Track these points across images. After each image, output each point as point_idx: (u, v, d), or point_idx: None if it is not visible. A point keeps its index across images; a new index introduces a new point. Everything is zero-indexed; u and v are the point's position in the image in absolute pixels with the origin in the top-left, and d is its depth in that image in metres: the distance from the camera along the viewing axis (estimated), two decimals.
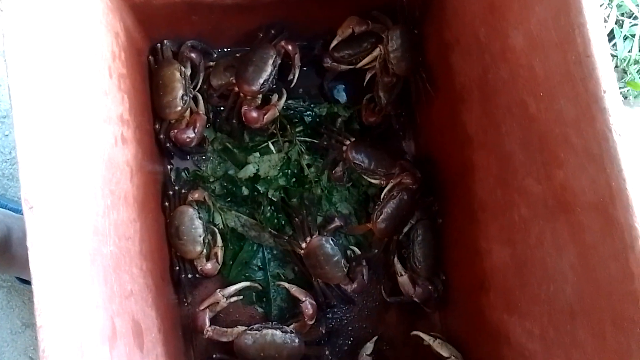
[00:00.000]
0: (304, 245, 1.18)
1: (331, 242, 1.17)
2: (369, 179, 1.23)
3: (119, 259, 0.91)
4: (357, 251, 1.23)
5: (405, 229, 1.21)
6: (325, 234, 1.18)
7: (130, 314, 0.92)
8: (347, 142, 1.22)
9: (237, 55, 1.26)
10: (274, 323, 1.17)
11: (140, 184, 1.07)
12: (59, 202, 0.64)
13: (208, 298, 1.17)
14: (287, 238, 1.21)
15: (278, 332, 1.14)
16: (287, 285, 1.20)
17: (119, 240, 0.92)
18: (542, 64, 0.74)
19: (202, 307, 1.17)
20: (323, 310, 1.22)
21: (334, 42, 1.20)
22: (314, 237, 1.18)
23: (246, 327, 1.16)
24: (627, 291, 0.65)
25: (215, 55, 1.29)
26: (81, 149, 0.79)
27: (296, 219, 1.19)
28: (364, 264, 1.21)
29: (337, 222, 1.20)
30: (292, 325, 1.17)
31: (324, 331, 1.19)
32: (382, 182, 1.21)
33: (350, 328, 1.25)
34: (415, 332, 1.19)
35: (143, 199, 1.07)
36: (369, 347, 1.17)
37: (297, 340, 1.15)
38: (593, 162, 0.66)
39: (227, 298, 1.18)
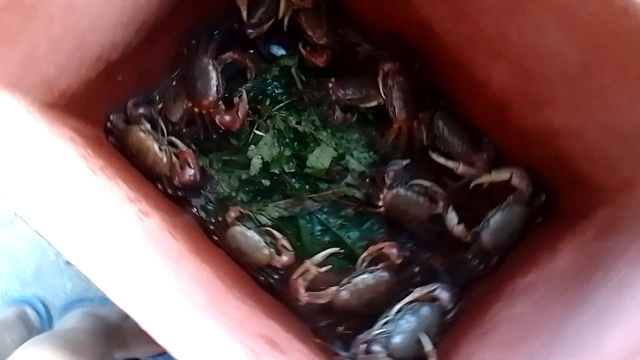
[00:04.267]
0: (380, 203, 1.22)
1: (401, 189, 1.20)
2: (366, 105, 1.24)
3: (215, 299, 0.97)
4: (425, 183, 1.24)
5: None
6: (395, 185, 1.21)
7: (255, 332, 0.98)
8: (329, 84, 1.23)
9: (174, 83, 1.28)
10: (358, 270, 1.21)
11: (183, 238, 1.12)
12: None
13: (297, 269, 1.21)
14: (361, 207, 1.26)
15: (366, 275, 1.18)
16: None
17: (203, 286, 0.98)
18: None
19: (294, 277, 1.21)
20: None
21: (244, 12, 1.21)
22: (385, 193, 1.21)
23: (337, 286, 1.19)
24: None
25: (157, 96, 1.30)
26: (120, 237, 0.84)
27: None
28: (433, 186, 1.23)
29: (395, 167, 1.22)
30: (380, 265, 1.21)
31: (408, 254, 1.24)
32: (380, 101, 1.22)
33: None
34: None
35: (195, 247, 1.12)
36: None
37: (386, 274, 1.19)
38: None
39: (316, 266, 1.21)
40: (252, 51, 1.32)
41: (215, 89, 1.19)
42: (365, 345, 1.13)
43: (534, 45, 0.88)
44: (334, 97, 1.23)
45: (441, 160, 1.24)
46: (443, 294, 1.19)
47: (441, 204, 1.23)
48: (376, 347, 1.12)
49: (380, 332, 1.15)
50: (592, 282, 0.85)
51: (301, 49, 1.27)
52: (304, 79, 1.29)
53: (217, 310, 0.93)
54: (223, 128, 1.23)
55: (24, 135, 0.86)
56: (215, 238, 1.25)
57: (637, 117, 0.80)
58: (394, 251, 1.21)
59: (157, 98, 1.30)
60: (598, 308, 0.78)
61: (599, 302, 0.79)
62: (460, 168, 1.23)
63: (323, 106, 1.26)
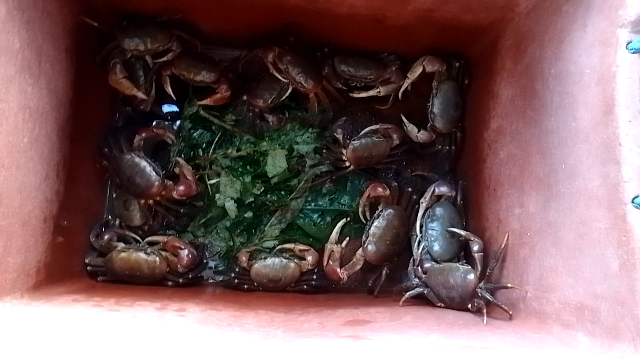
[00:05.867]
0: (347, 163, 1.32)
1: (355, 141, 1.30)
2: (285, 97, 1.32)
3: (288, 327, 1.02)
4: (372, 127, 1.33)
5: None
6: (348, 141, 1.31)
7: (337, 324, 1.04)
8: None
9: (115, 195, 1.30)
10: (367, 223, 1.30)
11: (224, 305, 1.15)
12: None
13: (323, 256, 1.29)
14: (334, 175, 1.36)
15: (376, 221, 1.27)
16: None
17: (271, 325, 1.03)
18: None
19: (325, 264, 1.28)
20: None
21: (138, 92, 1.24)
22: (345, 151, 1.30)
23: (360, 245, 1.28)
24: None
25: (109, 215, 1.31)
26: (183, 337, 0.87)
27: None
28: (381, 124, 1.34)
29: (339, 123, 1.32)
30: (380, 207, 1.30)
31: (395, 184, 1.35)
32: (291, 86, 1.31)
33: None
34: None
35: (238, 304, 1.16)
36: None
37: (390, 209, 1.28)
38: None
39: (336, 244, 1.29)
40: (156, 122, 1.35)
41: (154, 173, 1.22)
42: (418, 268, 1.23)
43: None
44: (256, 110, 1.30)
45: (363, 94, 1.35)
46: (442, 189, 1.30)
47: (394, 135, 1.33)
48: (427, 264, 1.22)
49: (421, 252, 1.26)
50: (536, 92, 0.99)
51: (201, 103, 1.31)
52: (217, 113, 1.34)
53: (298, 332, 0.99)
54: (184, 199, 1.26)
55: (41, 329, 0.86)
56: (246, 287, 1.29)
57: None
58: (379, 190, 1.30)
59: (110, 217, 1.31)
60: (556, 104, 0.91)
61: (555, 100, 0.92)
62: (382, 90, 1.34)
63: (255, 120, 1.33)
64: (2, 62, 0.83)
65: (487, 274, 1.09)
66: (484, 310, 1.04)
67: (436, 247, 1.24)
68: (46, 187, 1.03)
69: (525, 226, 1.03)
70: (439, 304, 1.16)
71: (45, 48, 0.98)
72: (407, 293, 1.19)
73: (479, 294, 1.08)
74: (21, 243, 0.96)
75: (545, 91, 0.96)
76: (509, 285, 1.04)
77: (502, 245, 1.08)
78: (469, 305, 1.09)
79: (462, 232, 1.20)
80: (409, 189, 1.35)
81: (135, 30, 1.18)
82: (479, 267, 1.12)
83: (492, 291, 1.08)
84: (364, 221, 1.33)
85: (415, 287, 1.19)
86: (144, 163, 1.22)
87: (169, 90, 1.27)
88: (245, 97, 1.30)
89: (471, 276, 1.10)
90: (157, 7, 1.20)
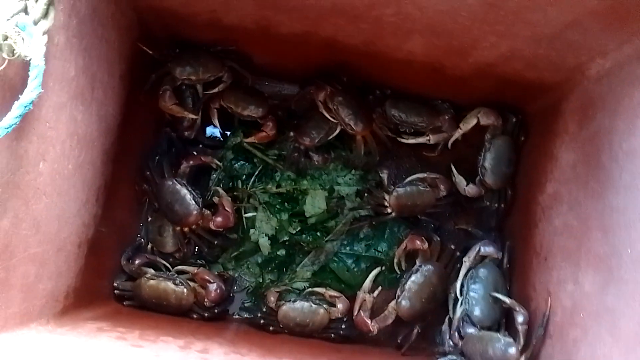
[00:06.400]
0: (389, 209, 1.26)
1: (400, 189, 1.25)
2: (333, 136, 1.29)
3: None
4: (420, 175, 1.29)
5: None
6: (392, 187, 1.27)
7: None
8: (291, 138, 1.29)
9: (150, 219, 1.29)
10: (404, 276, 1.24)
11: (247, 348, 1.11)
12: None
13: (354, 305, 1.23)
14: (374, 220, 1.31)
15: (414, 276, 1.20)
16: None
17: None
18: None
19: (355, 313, 1.22)
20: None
21: (188, 114, 1.25)
22: (388, 197, 1.26)
23: (393, 297, 1.22)
24: None
25: (142, 240, 1.30)
26: None
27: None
28: (429, 174, 1.29)
29: (386, 164, 1.30)
30: (418, 261, 1.24)
31: (437, 238, 1.28)
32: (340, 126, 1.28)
33: None
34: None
35: (262, 348, 1.11)
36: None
37: (429, 265, 1.22)
38: None
39: (368, 293, 1.23)
40: (198, 149, 1.34)
41: (194, 202, 1.21)
42: (455, 334, 1.16)
43: (433, 10, 0.93)
44: (302, 147, 1.28)
45: (411, 140, 1.30)
46: (488, 249, 1.23)
47: (442, 186, 1.28)
48: (469, 329, 1.14)
49: (460, 314, 1.18)
50: (602, 163, 0.91)
51: (247, 141, 1.29)
52: (261, 147, 1.32)
53: None
54: (220, 230, 1.24)
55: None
56: (272, 328, 1.25)
57: (554, 20, 0.87)
58: (417, 242, 1.24)
59: (143, 241, 1.29)
60: (625, 182, 0.84)
61: (624, 177, 0.85)
62: (431, 138, 1.28)
63: (299, 158, 1.30)
64: (56, 89, 0.83)
65: (531, 349, 1.01)
66: None
67: (477, 311, 1.16)
68: (85, 212, 1.03)
69: (579, 305, 0.95)
70: None
71: (99, 75, 0.97)
72: None
73: None
74: (53, 269, 0.94)
75: (613, 165, 0.89)
76: None
77: (546, 312, 1.01)
78: None
79: (507, 300, 1.12)
80: (452, 246, 1.28)
81: (188, 59, 1.18)
82: (522, 341, 1.04)
83: None
84: (398, 272, 1.27)
85: (448, 354, 1.12)
86: (184, 191, 1.21)
87: (216, 122, 1.27)
88: (292, 134, 1.28)
89: (512, 350, 1.02)
90: (212, 38, 1.19)
